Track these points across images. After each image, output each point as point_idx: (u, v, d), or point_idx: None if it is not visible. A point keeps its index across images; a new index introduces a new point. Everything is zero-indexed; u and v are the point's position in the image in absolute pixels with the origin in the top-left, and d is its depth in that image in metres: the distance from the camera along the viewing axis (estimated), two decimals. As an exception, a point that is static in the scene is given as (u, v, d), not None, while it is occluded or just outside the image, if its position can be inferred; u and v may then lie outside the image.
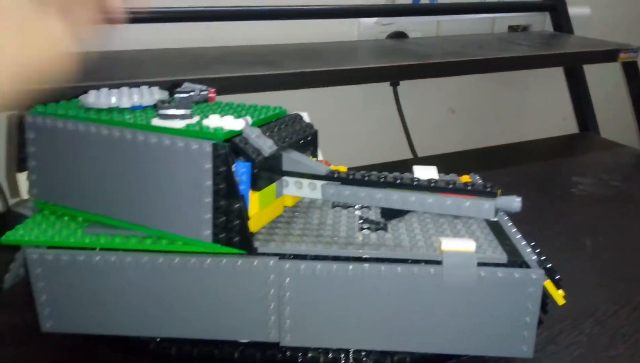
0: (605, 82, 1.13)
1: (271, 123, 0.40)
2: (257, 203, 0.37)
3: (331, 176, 0.37)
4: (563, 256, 0.46)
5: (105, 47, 0.73)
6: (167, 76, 0.61)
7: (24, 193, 0.43)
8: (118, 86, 0.48)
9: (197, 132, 0.36)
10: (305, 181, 0.39)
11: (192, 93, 0.37)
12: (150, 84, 0.47)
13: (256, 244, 0.38)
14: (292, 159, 0.38)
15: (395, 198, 0.36)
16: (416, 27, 0.99)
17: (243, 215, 0.35)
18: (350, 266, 0.38)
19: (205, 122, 0.37)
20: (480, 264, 0.37)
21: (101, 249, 0.39)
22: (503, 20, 1.08)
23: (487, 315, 0.38)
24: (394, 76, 0.81)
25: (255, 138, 0.36)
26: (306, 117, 0.44)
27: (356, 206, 0.44)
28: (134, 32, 0.74)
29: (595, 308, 0.49)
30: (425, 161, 0.99)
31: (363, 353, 0.40)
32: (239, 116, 0.39)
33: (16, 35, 0.29)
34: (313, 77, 0.69)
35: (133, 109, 0.41)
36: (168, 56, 0.73)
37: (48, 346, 0.42)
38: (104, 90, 0.44)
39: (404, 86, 1.00)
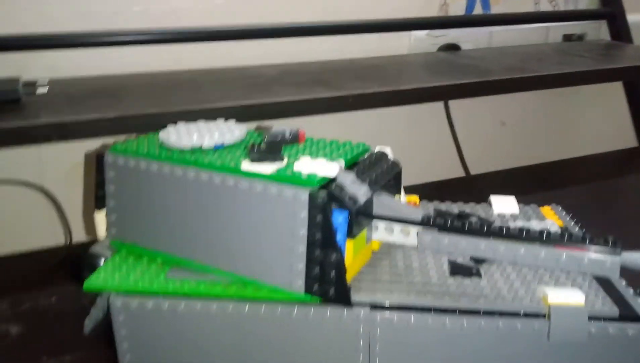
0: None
1: (359, 164, 0.38)
2: (351, 251, 0.35)
3: (427, 223, 0.35)
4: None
5: (154, 68, 0.72)
6: (231, 101, 0.60)
7: (102, 232, 0.42)
8: (189, 114, 0.47)
9: (290, 178, 0.34)
10: (398, 227, 0.37)
11: (282, 136, 0.35)
12: (222, 111, 0.46)
13: (347, 294, 0.36)
14: (384, 203, 0.37)
15: (502, 250, 0.34)
16: (468, 38, 0.97)
17: (341, 267, 0.33)
18: (447, 319, 0.35)
19: (297, 166, 0.35)
20: (590, 319, 0.34)
21: (185, 296, 0.38)
22: (557, 29, 1.04)
23: (595, 374, 0.35)
24: (455, 94, 0.78)
25: (350, 184, 0.34)
26: (390, 152, 0.42)
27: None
28: (170, 52, 0.73)
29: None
30: (479, 179, 0.96)
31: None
32: (328, 157, 0.37)
33: None
34: (374, 98, 0.67)
35: (216, 148, 0.39)
36: (226, 77, 0.72)
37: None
38: (182, 126, 0.42)
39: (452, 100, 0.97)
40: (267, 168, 0.35)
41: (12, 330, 0.49)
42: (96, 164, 0.41)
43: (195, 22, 0.74)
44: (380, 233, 0.38)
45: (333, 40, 0.85)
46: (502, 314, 0.35)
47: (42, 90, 0.61)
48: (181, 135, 0.40)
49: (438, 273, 0.39)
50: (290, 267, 0.35)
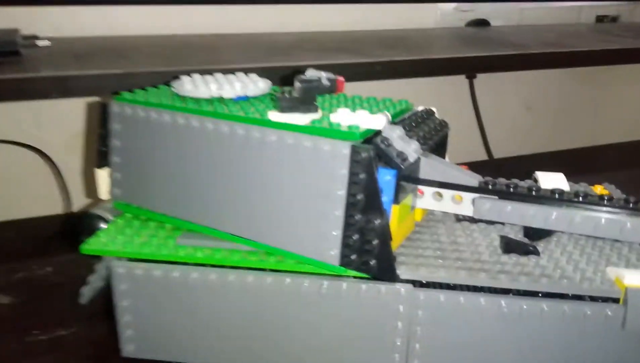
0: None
1: (405, 120, 0.33)
2: (396, 219, 0.30)
3: (486, 188, 0.30)
4: None
5: (167, 31, 0.67)
6: (251, 63, 0.54)
7: (104, 193, 0.37)
8: (206, 73, 0.41)
9: (328, 131, 0.29)
10: (448, 193, 0.32)
11: (317, 82, 0.30)
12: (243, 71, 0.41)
13: (389, 268, 0.31)
14: (433, 165, 0.31)
15: (579, 221, 0.29)
16: (498, 14, 0.91)
17: (386, 234, 0.28)
18: (503, 302, 0.30)
19: (334, 117, 0.30)
20: (672, 305, 0.29)
21: (198, 264, 0.33)
22: (590, 10, 0.99)
23: (675, 369, 0.30)
24: (488, 67, 0.73)
25: (398, 138, 0.29)
26: (436, 112, 0.36)
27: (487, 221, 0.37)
28: (183, 15, 0.68)
29: None
30: (504, 163, 0.91)
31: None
32: (369, 111, 0.32)
33: None
34: (404, 66, 0.61)
35: (237, 100, 0.34)
36: (242, 41, 0.66)
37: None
38: (198, 76, 0.37)
39: (477, 78, 0.91)
40: (300, 118, 0.30)
41: (3, 301, 0.44)
42: (100, 115, 0.36)
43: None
44: (427, 200, 0.33)
45: (355, 10, 0.80)
46: (568, 297, 0.30)
47: (43, 43, 0.56)
48: (198, 84, 0.35)
49: (489, 250, 0.34)
50: (324, 234, 0.30)
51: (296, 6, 0.75)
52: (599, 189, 0.46)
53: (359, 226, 0.29)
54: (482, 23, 0.89)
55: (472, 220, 0.37)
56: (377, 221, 0.28)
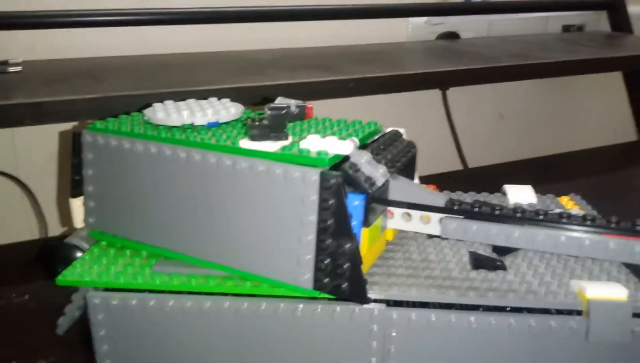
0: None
1: (373, 143, 0.34)
2: (367, 242, 0.31)
3: (452, 209, 0.31)
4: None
5: (140, 51, 0.67)
6: (225, 83, 0.55)
7: (79, 222, 0.38)
8: (179, 96, 0.42)
9: (298, 157, 0.30)
10: (417, 213, 0.33)
11: (287, 109, 0.31)
12: (214, 93, 0.42)
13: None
14: (401, 187, 0.32)
15: (540, 239, 0.30)
16: (468, 26, 0.93)
17: (356, 258, 0.29)
18: (472, 318, 0.31)
19: (304, 144, 0.31)
20: (633, 315, 0.31)
21: (174, 292, 0.33)
22: (556, 20, 1.02)
23: (638, 376, 0.31)
24: (459, 80, 0.74)
25: (366, 163, 0.30)
26: (404, 133, 0.37)
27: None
28: (157, 34, 0.68)
29: None
30: (478, 172, 0.93)
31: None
32: (338, 135, 0.32)
33: None
34: (377, 83, 0.62)
35: (209, 126, 0.35)
36: (217, 60, 0.67)
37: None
38: (170, 103, 0.38)
39: (450, 90, 0.93)
40: (271, 145, 0.31)
41: (-22, 332, 0.44)
42: (72, 144, 0.37)
43: (184, 3, 0.69)
44: (396, 220, 0.34)
45: (328, 26, 0.81)
46: (535, 311, 0.31)
47: (14, 69, 0.56)
48: (170, 112, 0.36)
49: (459, 266, 0.35)
50: (297, 259, 0.30)
51: (269, 24, 0.76)
52: (565, 200, 0.47)
53: (330, 250, 0.29)
54: (452, 36, 0.91)
55: (443, 237, 0.38)
56: (348, 246, 0.29)
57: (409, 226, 0.33)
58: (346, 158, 0.31)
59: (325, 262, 0.30)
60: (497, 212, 0.30)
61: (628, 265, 0.35)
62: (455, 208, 0.31)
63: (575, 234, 0.29)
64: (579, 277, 0.34)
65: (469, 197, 0.45)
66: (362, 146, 0.33)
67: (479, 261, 0.35)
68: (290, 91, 0.58)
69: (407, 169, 0.36)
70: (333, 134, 0.33)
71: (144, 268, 0.34)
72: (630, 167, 0.89)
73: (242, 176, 0.31)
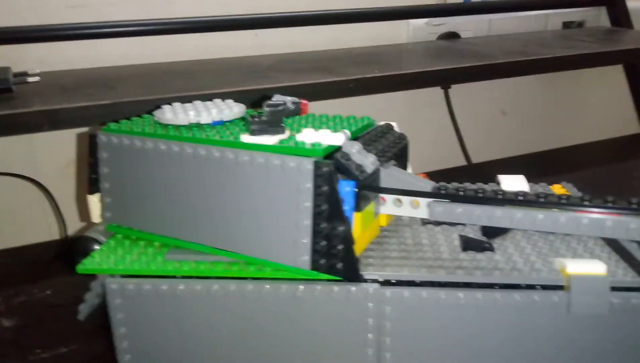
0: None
1: (365, 136, 0.37)
2: (359, 225, 0.33)
3: (438, 193, 0.34)
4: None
5: (148, 60, 0.71)
6: (227, 87, 0.58)
7: (96, 217, 0.41)
8: (185, 100, 0.45)
9: (294, 149, 0.33)
10: (406, 199, 0.35)
11: (283, 106, 0.33)
12: (219, 96, 0.44)
13: (356, 270, 0.34)
14: (392, 174, 0.35)
15: (519, 217, 0.32)
16: (467, 26, 0.95)
17: (349, 239, 0.32)
18: (461, 294, 0.34)
19: (300, 137, 0.34)
20: (611, 289, 0.33)
21: (185, 277, 0.36)
22: (556, 17, 1.03)
23: (618, 348, 0.33)
24: (458, 78, 0.77)
25: (356, 153, 0.32)
26: (396, 127, 0.40)
27: (450, 223, 0.40)
28: (164, 43, 0.71)
29: None
30: (482, 167, 0.95)
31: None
32: (332, 129, 0.35)
33: None
34: (376, 83, 0.65)
35: (214, 124, 0.38)
36: (221, 66, 0.70)
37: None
38: (178, 105, 0.41)
39: (452, 88, 0.95)
40: (269, 139, 0.33)
41: (5, 324, 0.47)
42: (89, 145, 0.40)
43: (189, 12, 0.72)
44: (388, 206, 0.36)
45: (329, 30, 0.84)
46: (518, 287, 0.33)
47: (33, 79, 0.60)
48: (177, 112, 0.39)
49: (449, 249, 0.37)
50: (295, 242, 0.33)
51: (272, 30, 0.78)
52: (557, 188, 0.49)
53: (325, 233, 0.32)
54: (453, 36, 0.93)
55: (437, 223, 0.41)
56: (341, 228, 0.31)
57: (400, 211, 0.36)
58: (338, 149, 0.33)
59: (321, 244, 0.32)
60: (480, 195, 0.33)
61: (610, 244, 0.37)
62: (442, 192, 0.34)
63: (552, 212, 0.31)
64: (563, 256, 0.36)
65: (450, 187, 0.47)
66: (355, 138, 0.36)
67: (468, 244, 0.37)
68: (291, 92, 0.61)
69: (399, 159, 0.38)
70: (327, 128, 0.36)
71: (156, 257, 0.37)
72: (631, 159, 0.90)
73: (243, 168, 0.34)
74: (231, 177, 0.34)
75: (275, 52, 0.78)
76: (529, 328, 0.33)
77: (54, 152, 0.65)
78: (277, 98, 0.34)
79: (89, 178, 0.40)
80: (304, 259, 0.33)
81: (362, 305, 0.34)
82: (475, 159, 0.98)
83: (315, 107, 0.64)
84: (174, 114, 0.38)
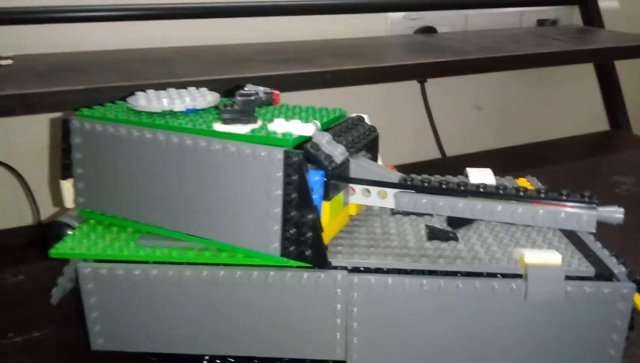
0: (635, 77, 1.10)
1: (335, 127, 0.38)
2: (328, 213, 0.34)
3: (405, 184, 0.35)
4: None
5: (124, 45, 0.70)
6: (204, 75, 0.58)
7: (69, 202, 0.41)
8: (161, 87, 0.45)
9: (265, 138, 0.33)
10: (375, 189, 0.36)
11: (255, 95, 0.34)
12: (195, 85, 0.45)
13: (324, 257, 0.35)
14: (361, 165, 0.36)
15: (479, 208, 0.34)
16: (444, 21, 0.97)
17: (317, 227, 0.33)
18: (424, 281, 0.35)
19: (271, 126, 0.34)
20: (566, 278, 0.34)
21: (157, 262, 0.37)
22: (531, 14, 1.05)
23: (572, 334, 0.35)
24: (433, 73, 0.78)
25: (326, 143, 0.33)
26: (367, 119, 0.41)
27: (417, 214, 0.42)
28: (142, 30, 0.71)
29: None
30: (456, 161, 0.97)
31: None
32: (303, 120, 0.36)
33: None
34: (352, 75, 0.66)
35: (187, 112, 0.38)
36: (199, 54, 0.70)
37: (97, 364, 0.40)
38: (152, 92, 0.41)
39: (429, 82, 0.97)
40: (241, 128, 0.34)
41: (-24, 309, 0.47)
42: (62, 131, 0.40)
43: (168, -1, 0.72)
44: (357, 196, 0.37)
45: (307, 21, 0.85)
46: (480, 275, 0.35)
47: (6, 62, 0.59)
48: (151, 99, 0.39)
49: (415, 238, 0.39)
50: (266, 229, 0.34)
51: (250, 19, 0.79)
52: (522, 181, 0.51)
53: (295, 221, 0.33)
54: (430, 30, 0.95)
55: (405, 214, 0.42)
56: (309, 216, 0.32)
57: (368, 201, 0.37)
58: (308, 140, 0.34)
59: (291, 232, 0.33)
60: (443, 186, 0.34)
61: (568, 236, 0.39)
62: (408, 183, 0.35)
63: (510, 204, 0.33)
64: (522, 246, 0.37)
65: (433, 179, 0.49)
66: (326, 129, 0.37)
67: (433, 234, 0.38)
68: (268, 82, 0.61)
69: (369, 150, 0.39)
70: (299, 118, 0.37)
71: (129, 242, 0.38)
72: (599, 154, 0.93)
73: (215, 156, 0.34)
74: (203, 165, 0.35)
75: (254, 41, 0.79)
76: (489, 314, 0.35)
77: (28, 137, 0.65)
78: (249, 88, 0.35)
79: (62, 163, 0.40)
80: (274, 246, 0.34)
81: (330, 291, 0.35)
82: (450, 152, 1.00)
83: (293, 97, 0.65)
84: (148, 101, 0.39)
